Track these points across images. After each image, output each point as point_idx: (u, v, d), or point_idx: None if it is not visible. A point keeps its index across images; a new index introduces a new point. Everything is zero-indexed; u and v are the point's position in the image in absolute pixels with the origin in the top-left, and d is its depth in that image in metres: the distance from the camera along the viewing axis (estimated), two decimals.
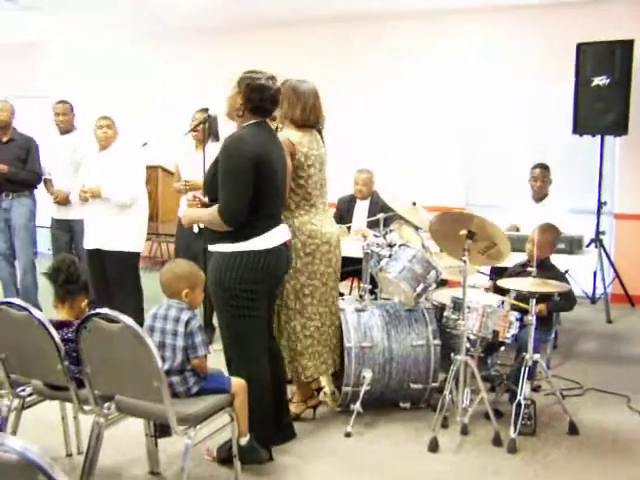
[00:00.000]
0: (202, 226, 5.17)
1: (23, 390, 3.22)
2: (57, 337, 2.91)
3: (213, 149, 4.94)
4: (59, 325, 3.04)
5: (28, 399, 3.24)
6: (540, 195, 5.80)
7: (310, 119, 3.83)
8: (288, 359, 3.89)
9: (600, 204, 6.61)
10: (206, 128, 5.08)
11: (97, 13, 7.97)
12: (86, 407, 3.05)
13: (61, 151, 5.93)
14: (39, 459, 1.31)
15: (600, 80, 6.18)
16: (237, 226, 3.28)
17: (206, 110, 5.39)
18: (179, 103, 5.73)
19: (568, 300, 4.29)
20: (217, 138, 5.14)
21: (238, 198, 3.26)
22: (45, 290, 5.76)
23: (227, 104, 3.44)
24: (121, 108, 5.87)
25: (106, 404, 3.04)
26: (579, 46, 6.30)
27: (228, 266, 3.32)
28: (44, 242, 6.80)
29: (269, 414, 3.45)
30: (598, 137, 6.53)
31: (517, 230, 5.41)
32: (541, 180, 5.79)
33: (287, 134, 3.74)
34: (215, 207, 3.30)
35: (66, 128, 5.97)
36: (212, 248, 3.41)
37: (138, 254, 5.46)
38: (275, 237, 3.40)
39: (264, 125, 3.42)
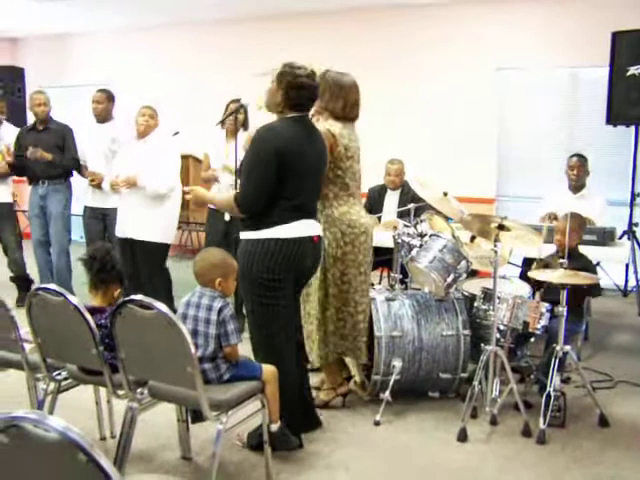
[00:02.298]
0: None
1: (59, 374, 3.28)
2: (92, 322, 2.96)
3: (243, 139, 5.01)
4: (92, 311, 3.08)
5: (63, 383, 3.30)
6: (577, 185, 5.77)
7: (351, 112, 3.87)
8: (323, 344, 3.94)
9: (633, 196, 6.53)
10: (239, 118, 5.13)
11: (126, 4, 8.05)
12: (120, 392, 3.09)
13: (97, 140, 5.95)
14: (80, 439, 1.35)
15: (635, 69, 6.08)
16: (252, 214, 3.35)
17: (238, 101, 5.43)
18: (209, 93, 5.76)
19: (596, 289, 4.27)
20: (246, 128, 5.18)
21: (256, 187, 3.31)
22: (79, 276, 5.88)
23: (267, 97, 3.45)
24: (154, 97, 5.91)
25: (139, 389, 3.08)
26: (614, 35, 6.21)
27: (252, 254, 3.35)
28: (78, 230, 6.90)
29: (295, 401, 3.47)
30: (632, 127, 6.45)
31: (555, 218, 5.35)
32: (577, 169, 5.75)
33: (328, 125, 3.75)
34: (232, 193, 3.39)
35: (102, 116, 5.97)
36: (241, 235, 3.47)
37: (168, 246, 5.50)
38: (300, 228, 3.38)
39: (303, 119, 3.42)
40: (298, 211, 3.38)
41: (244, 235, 3.43)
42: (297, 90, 3.32)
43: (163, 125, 5.52)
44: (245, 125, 5.23)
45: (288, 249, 3.34)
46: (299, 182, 3.36)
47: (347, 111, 3.84)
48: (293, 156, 3.30)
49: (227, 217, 5.35)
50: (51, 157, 5.91)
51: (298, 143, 3.34)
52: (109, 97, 6.01)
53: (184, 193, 3.83)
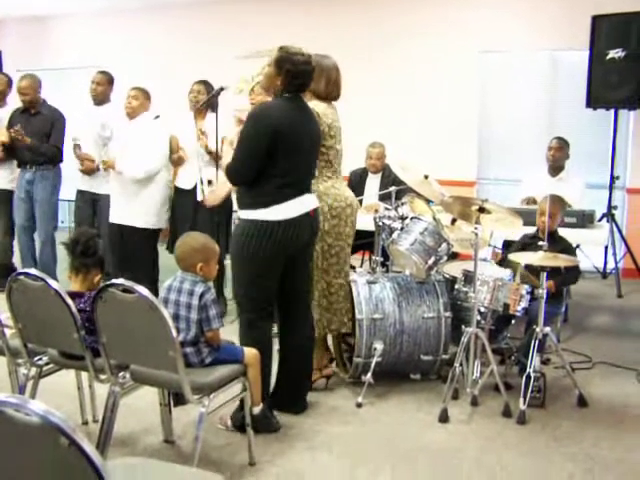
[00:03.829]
0: (207, 195, 5.24)
1: (40, 359, 3.27)
2: (73, 306, 2.95)
3: (212, 120, 5.00)
4: (72, 296, 3.07)
5: (45, 368, 3.29)
6: (555, 166, 5.78)
7: (333, 93, 3.94)
8: (317, 317, 3.98)
9: (613, 179, 6.57)
10: (199, 99, 5.18)
11: None
12: (102, 376, 3.09)
13: (91, 122, 5.86)
14: (61, 422, 1.35)
15: (615, 53, 6.11)
16: (239, 185, 3.49)
17: (204, 82, 5.42)
18: (189, 76, 5.70)
19: (574, 273, 4.30)
20: (214, 109, 5.14)
21: (245, 161, 3.41)
22: (62, 261, 5.84)
23: (264, 80, 3.54)
24: (133, 80, 5.84)
25: (121, 373, 3.08)
26: (594, 18, 6.23)
27: (249, 233, 3.41)
28: (63, 215, 6.82)
29: (267, 379, 3.51)
30: (612, 111, 6.49)
31: (534, 202, 5.37)
32: (555, 150, 5.76)
33: (312, 105, 3.79)
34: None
35: (99, 99, 5.88)
36: (239, 215, 3.54)
37: (157, 231, 5.47)
38: (295, 207, 3.45)
39: (297, 99, 3.49)
40: (293, 188, 3.45)
41: (240, 214, 3.50)
42: (297, 77, 3.40)
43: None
44: (213, 107, 5.19)
45: (285, 230, 3.41)
46: (293, 159, 3.42)
47: (329, 90, 3.91)
48: (287, 134, 3.37)
49: (199, 197, 5.30)
50: (29, 141, 5.83)
51: (293, 121, 3.42)
52: (109, 80, 5.93)
53: None
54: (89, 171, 5.82)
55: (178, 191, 5.53)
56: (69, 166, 6.15)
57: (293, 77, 3.39)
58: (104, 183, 5.63)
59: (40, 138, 5.91)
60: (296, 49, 3.44)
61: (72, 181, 6.16)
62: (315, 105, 3.80)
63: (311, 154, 3.61)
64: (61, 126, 6.02)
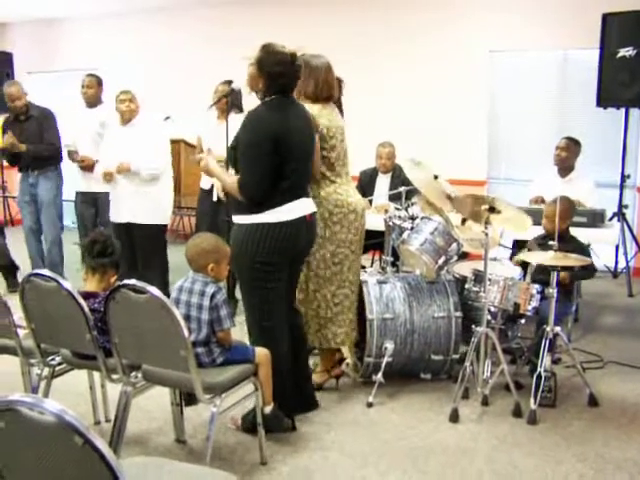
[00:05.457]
0: (221, 196, 5.27)
1: (53, 359, 3.30)
2: (86, 307, 2.97)
3: (237, 121, 4.99)
4: (85, 296, 3.10)
5: (57, 368, 3.32)
6: (564, 167, 5.69)
7: (322, 93, 3.83)
8: (317, 327, 3.96)
9: (623, 177, 6.55)
10: (229, 100, 5.13)
11: None
12: (114, 376, 3.11)
13: (87, 124, 5.92)
14: (76, 421, 1.36)
15: (626, 51, 6.07)
16: (256, 200, 3.33)
17: (229, 82, 5.42)
18: (199, 77, 5.74)
19: (588, 270, 4.29)
20: (241, 110, 5.16)
21: (256, 174, 3.30)
22: (72, 263, 5.89)
23: (249, 82, 3.46)
24: (142, 82, 5.89)
25: (133, 373, 3.10)
26: (605, 16, 6.20)
27: (245, 238, 3.36)
28: (70, 216, 6.86)
29: (287, 383, 3.49)
30: (622, 110, 6.46)
31: (543, 201, 5.33)
32: (562, 150, 5.66)
33: (307, 107, 3.74)
34: (236, 178, 3.37)
35: (91, 101, 5.97)
36: (234, 219, 3.47)
37: (165, 226, 5.52)
38: (292, 210, 3.39)
39: (287, 100, 3.41)
40: (290, 192, 3.38)
41: (238, 219, 3.42)
42: (278, 77, 3.31)
43: (154, 110, 5.51)
44: (239, 107, 5.21)
45: (282, 232, 3.35)
46: (292, 163, 3.35)
47: (318, 91, 3.80)
48: (285, 139, 3.30)
49: (215, 198, 5.36)
50: (24, 148, 5.88)
51: (287, 125, 3.34)
52: (99, 82, 6.02)
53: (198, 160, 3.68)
54: (90, 167, 5.83)
55: (200, 191, 5.65)
56: (67, 168, 6.21)
57: (274, 77, 3.30)
58: (102, 181, 5.64)
59: (39, 141, 5.96)
60: (278, 48, 3.33)
61: (73, 182, 6.22)
62: (309, 107, 3.72)
63: (308, 156, 3.52)
64: (52, 123, 6.07)
